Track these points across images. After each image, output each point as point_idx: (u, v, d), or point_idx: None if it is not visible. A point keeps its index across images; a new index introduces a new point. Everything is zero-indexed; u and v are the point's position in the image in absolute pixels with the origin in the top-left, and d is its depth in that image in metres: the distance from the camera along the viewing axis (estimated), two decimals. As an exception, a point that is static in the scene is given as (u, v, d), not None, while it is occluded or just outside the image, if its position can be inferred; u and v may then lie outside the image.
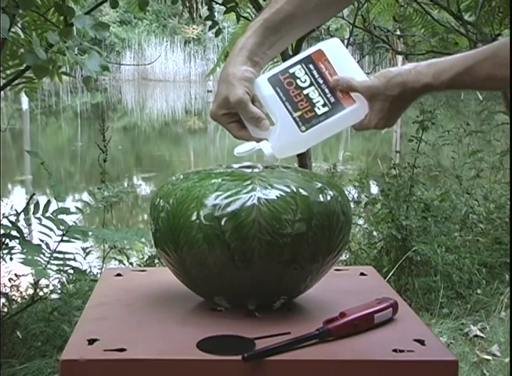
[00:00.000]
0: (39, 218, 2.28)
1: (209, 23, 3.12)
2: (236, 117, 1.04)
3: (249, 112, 1.02)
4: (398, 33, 4.45)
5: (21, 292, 2.93)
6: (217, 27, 3.06)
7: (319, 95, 1.02)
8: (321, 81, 1.02)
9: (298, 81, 1.02)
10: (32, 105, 12.65)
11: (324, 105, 1.02)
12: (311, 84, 1.02)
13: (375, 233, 3.82)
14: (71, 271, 2.26)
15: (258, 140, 1.03)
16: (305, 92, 1.02)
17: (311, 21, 1.11)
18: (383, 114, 1.01)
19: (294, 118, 1.01)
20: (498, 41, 0.95)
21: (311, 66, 1.03)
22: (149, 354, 0.94)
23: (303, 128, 1.01)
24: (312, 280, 1.10)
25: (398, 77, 0.99)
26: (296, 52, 3.20)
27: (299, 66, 1.03)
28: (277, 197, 1.02)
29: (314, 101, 1.02)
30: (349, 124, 1.04)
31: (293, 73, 1.03)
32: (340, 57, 1.04)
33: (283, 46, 1.09)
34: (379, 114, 1.01)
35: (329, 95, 1.02)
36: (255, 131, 1.03)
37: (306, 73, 1.02)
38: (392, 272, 3.33)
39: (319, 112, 1.01)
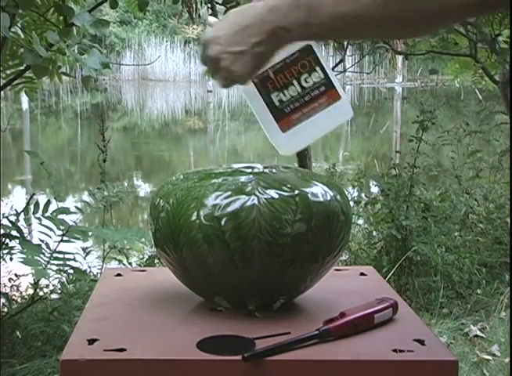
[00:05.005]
0: (39, 218, 2.28)
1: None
2: None
3: None
4: (398, 33, 4.43)
5: (21, 292, 2.93)
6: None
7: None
8: None
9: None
10: (32, 105, 12.64)
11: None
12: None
13: (375, 233, 3.82)
14: (71, 271, 2.26)
15: None
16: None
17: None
18: None
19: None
20: None
21: None
22: (149, 354, 0.94)
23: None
24: (312, 280, 1.10)
25: None
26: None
27: None
28: (277, 197, 1.02)
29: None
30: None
31: None
32: None
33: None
34: None
35: None
36: None
37: None
38: (392, 272, 3.33)
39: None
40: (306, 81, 1.00)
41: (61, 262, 2.18)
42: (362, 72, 16.80)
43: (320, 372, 0.94)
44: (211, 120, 14.48)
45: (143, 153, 9.68)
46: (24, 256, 2.12)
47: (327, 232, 1.04)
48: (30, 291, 2.84)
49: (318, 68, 1.00)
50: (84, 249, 2.69)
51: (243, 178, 1.05)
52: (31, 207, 2.33)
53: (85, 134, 11.58)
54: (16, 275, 2.91)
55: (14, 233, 2.30)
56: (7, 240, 2.33)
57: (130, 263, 3.22)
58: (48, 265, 2.11)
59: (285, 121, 0.99)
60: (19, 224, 2.35)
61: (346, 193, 1.15)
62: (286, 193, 1.03)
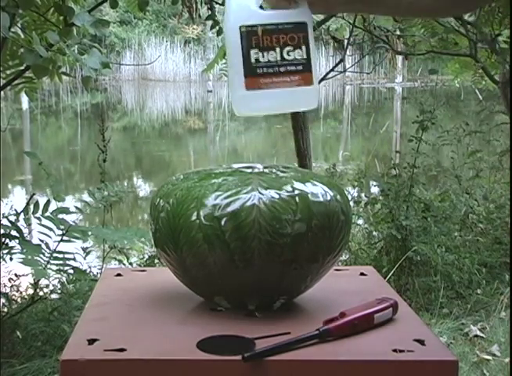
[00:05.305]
0: (39, 218, 2.28)
1: (209, 23, 3.12)
2: None
3: None
4: (398, 33, 4.44)
5: (21, 292, 2.93)
6: (218, 27, 3.06)
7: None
8: None
9: None
10: (32, 105, 12.66)
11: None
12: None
13: (375, 233, 3.82)
14: (71, 271, 2.27)
15: None
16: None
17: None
18: None
19: None
20: None
21: None
22: (149, 354, 0.94)
23: None
24: (312, 280, 1.10)
25: None
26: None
27: None
28: (277, 197, 1.02)
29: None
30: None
31: None
32: None
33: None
34: None
35: None
36: None
37: None
38: (392, 272, 3.33)
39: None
40: (288, 54, 0.99)
41: (61, 262, 2.18)
42: (362, 72, 16.80)
43: (320, 372, 0.94)
44: (211, 120, 14.48)
45: (143, 153, 9.68)
46: (24, 256, 2.12)
47: (327, 232, 1.04)
48: (30, 291, 2.84)
49: (304, 47, 0.99)
50: (84, 249, 2.70)
51: (243, 179, 1.05)
52: (31, 207, 2.33)
53: (85, 134, 11.58)
54: (16, 275, 2.92)
55: (14, 233, 2.31)
56: (7, 240, 2.33)
57: (130, 263, 3.22)
58: (48, 265, 2.11)
59: (252, 80, 0.98)
60: (19, 224, 2.35)
61: (346, 193, 1.15)
62: (286, 193, 1.02)
